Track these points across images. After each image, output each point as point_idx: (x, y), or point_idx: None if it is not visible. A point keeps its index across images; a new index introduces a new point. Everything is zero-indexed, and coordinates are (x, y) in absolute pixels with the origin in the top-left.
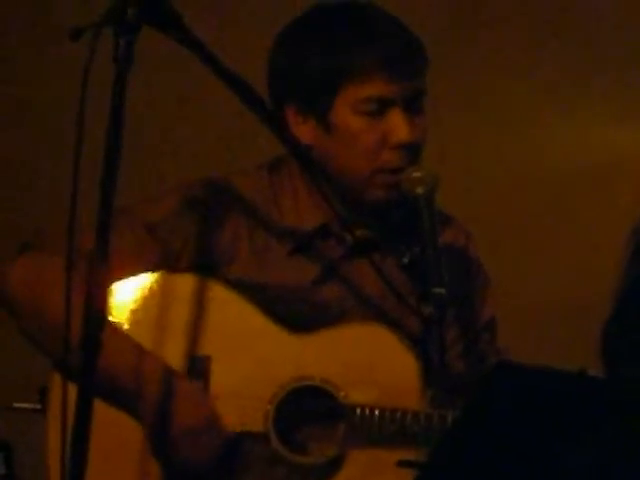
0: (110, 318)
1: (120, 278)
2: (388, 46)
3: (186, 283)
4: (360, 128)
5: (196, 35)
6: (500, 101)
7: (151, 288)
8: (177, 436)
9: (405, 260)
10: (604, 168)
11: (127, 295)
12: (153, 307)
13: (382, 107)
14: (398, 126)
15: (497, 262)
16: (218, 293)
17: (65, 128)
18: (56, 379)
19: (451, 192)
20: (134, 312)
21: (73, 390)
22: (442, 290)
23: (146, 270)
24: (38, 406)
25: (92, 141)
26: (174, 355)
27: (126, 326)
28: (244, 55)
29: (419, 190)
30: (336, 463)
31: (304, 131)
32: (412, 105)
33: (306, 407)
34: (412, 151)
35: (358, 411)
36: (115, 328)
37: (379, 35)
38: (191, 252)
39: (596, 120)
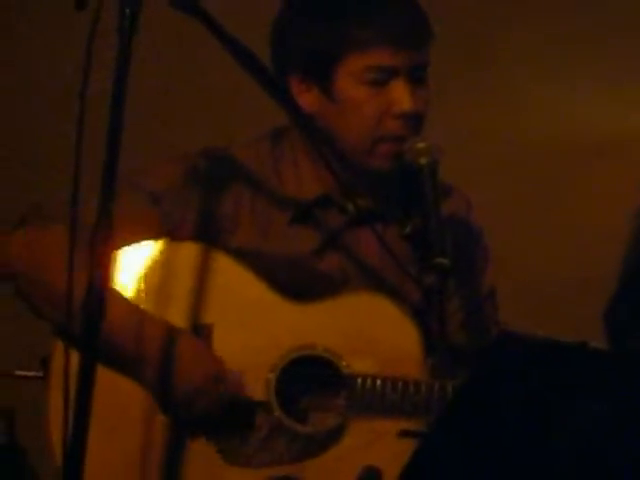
0: (112, 285)
1: (122, 246)
2: (393, 16)
3: (188, 252)
4: (363, 97)
5: (199, 2)
6: (501, 73)
7: (154, 256)
8: (184, 393)
9: (407, 230)
10: (610, 142)
11: (130, 263)
12: (156, 275)
13: (386, 77)
14: (401, 96)
15: (499, 237)
16: (220, 262)
17: (69, 99)
18: (58, 347)
19: (450, 165)
20: (137, 280)
21: (75, 358)
22: (445, 260)
23: (149, 238)
24: (40, 374)
25: (96, 112)
26: (176, 323)
27: (128, 293)
28: (247, 23)
29: (422, 160)
30: (337, 432)
31: (307, 99)
32: (415, 76)
33: (308, 376)
34: (414, 121)
35: (359, 380)
36: (117, 293)
37: (384, 5)
38: (193, 221)
39: (602, 95)
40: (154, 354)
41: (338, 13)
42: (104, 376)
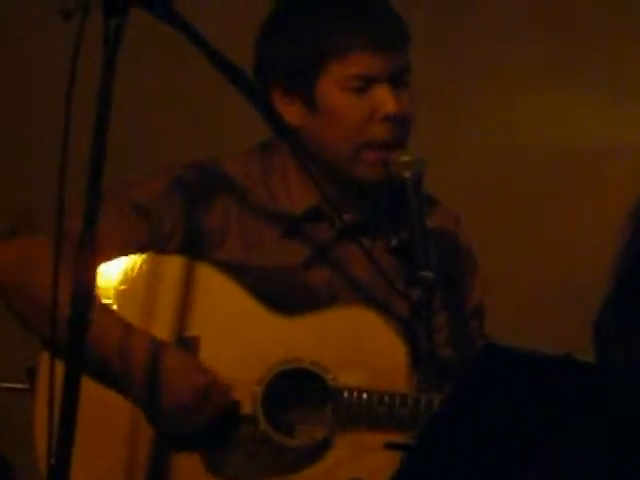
0: (98, 299)
1: (108, 260)
2: (369, 23)
3: (175, 265)
4: (346, 105)
5: (184, 16)
6: (491, 83)
7: (140, 269)
8: (170, 408)
9: (393, 243)
10: (598, 152)
11: (115, 276)
12: (142, 288)
13: (367, 83)
14: (384, 99)
15: (489, 249)
16: (207, 275)
17: (55, 109)
18: (44, 359)
19: (439, 177)
20: (122, 293)
21: (60, 370)
22: (430, 274)
23: (134, 252)
24: (26, 386)
25: (81, 123)
26: (163, 336)
27: (114, 307)
28: (231, 39)
29: (407, 174)
30: (324, 445)
31: (291, 113)
32: (397, 80)
33: (295, 389)
34: (399, 125)
35: (346, 394)
36: (103, 306)
37: (360, 12)
38: (180, 234)
39: (589, 103)
40: (140, 368)
41: (316, 24)
42: (89, 389)
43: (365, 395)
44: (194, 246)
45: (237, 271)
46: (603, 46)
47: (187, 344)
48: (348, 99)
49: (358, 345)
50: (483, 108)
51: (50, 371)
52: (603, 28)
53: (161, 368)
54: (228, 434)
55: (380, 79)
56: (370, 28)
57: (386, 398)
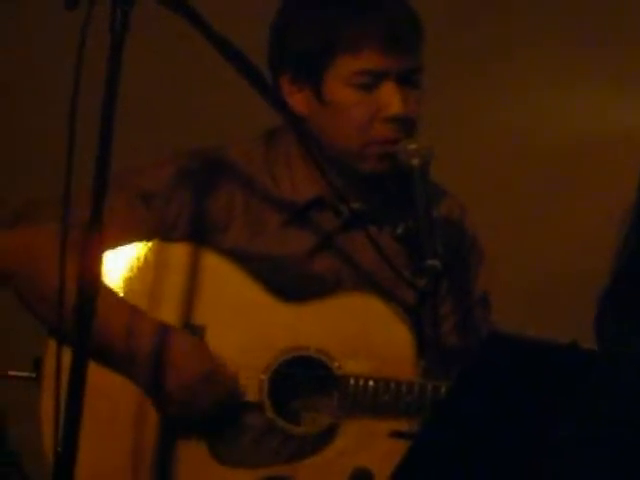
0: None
1: (114, 247)
2: (382, 19)
3: (181, 252)
4: (353, 101)
5: (191, 4)
6: (501, 71)
7: (146, 257)
8: (174, 390)
9: (399, 231)
10: (609, 139)
11: (121, 264)
12: (147, 276)
13: (375, 80)
14: (390, 99)
15: (500, 235)
16: (213, 262)
17: (61, 98)
18: (51, 347)
19: (450, 163)
20: (128, 281)
21: (67, 358)
22: (436, 262)
23: (140, 239)
24: (33, 375)
25: (87, 111)
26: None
27: (120, 294)
28: (244, 26)
29: (414, 162)
30: (330, 433)
31: (299, 101)
32: (407, 79)
33: (300, 377)
34: (404, 124)
35: (352, 381)
36: (108, 290)
37: (374, 8)
38: (186, 222)
39: (602, 91)
40: (145, 350)
41: (329, 15)
42: (96, 377)
43: (371, 383)
44: (200, 234)
45: (242, 258)
46: (608, 36)
47: (193, 332)
48: (355, 95)
49: (364, 333)
50: (492, 97)
51: (57, 360)
52: (608, 18)
53: (168, 350)
54: (232, 420)
55: (389, 76)
56: (383, 24)
57: (392, 386)
